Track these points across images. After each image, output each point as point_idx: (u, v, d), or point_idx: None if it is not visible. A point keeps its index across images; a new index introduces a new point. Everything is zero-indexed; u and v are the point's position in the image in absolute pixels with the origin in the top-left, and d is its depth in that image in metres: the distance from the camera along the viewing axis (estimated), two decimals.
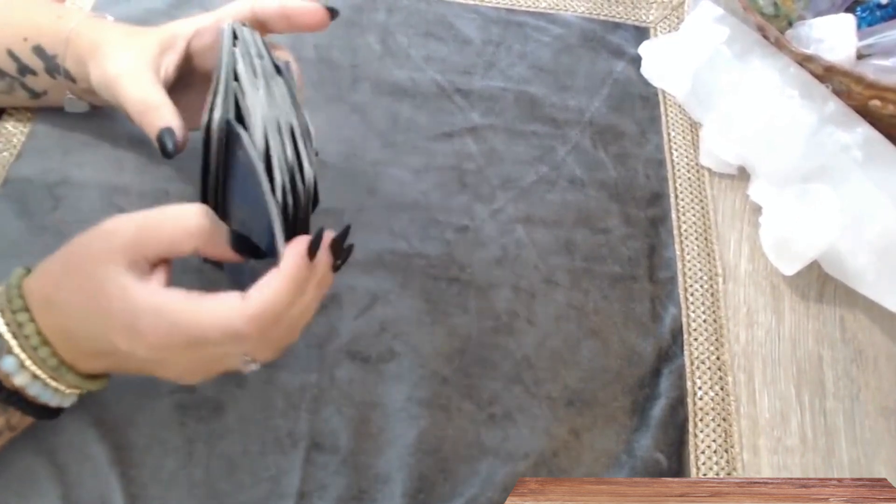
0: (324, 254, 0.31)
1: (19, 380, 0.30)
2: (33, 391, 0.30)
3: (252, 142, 0.31)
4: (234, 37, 0.34)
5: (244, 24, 0.35)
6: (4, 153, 0.44)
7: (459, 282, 0.43)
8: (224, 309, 0.29)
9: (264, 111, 0.32)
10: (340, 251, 0.32)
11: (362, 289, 0.42)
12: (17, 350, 0.29)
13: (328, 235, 0.31)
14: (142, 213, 0.30)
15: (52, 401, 0.31)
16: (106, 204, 0.43)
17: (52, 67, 0.41)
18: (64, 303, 0.30)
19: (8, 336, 0.29)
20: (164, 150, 0.36)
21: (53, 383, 0.31)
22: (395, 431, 0.38)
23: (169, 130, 0.36)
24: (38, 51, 0.40)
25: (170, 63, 0.39)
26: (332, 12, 0.38)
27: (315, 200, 0.36)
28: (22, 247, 0.41)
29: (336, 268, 0.32)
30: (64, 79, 0.41)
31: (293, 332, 0.32)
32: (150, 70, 0.38)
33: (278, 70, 0.34)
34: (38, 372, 0.30)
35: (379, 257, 0.43)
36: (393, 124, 0.49)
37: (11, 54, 0.41)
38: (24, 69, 0.41)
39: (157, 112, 0.37)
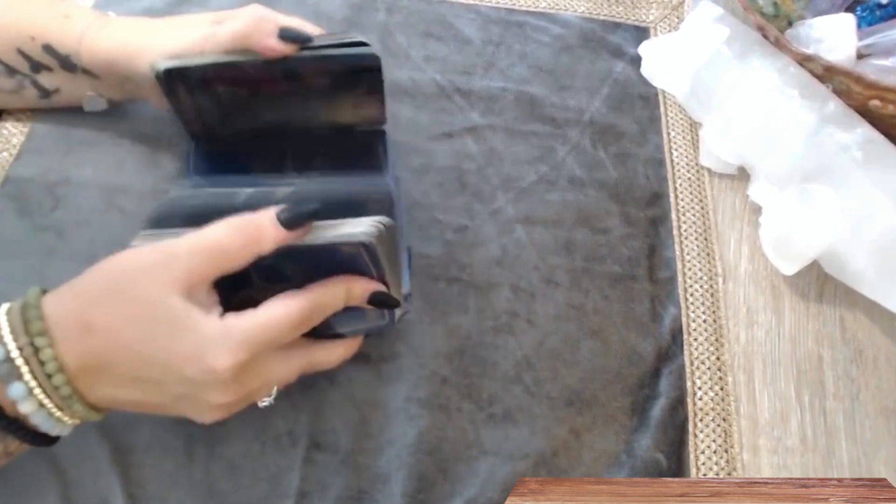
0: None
1: (24, 407, 0.28)
2: (36, 420, 0.29)
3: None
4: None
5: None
6: (4, 153, 0.44)
7: (459, 282, 0.43)
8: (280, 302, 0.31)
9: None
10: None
11: None
12: (27, 377, 0.28)
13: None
14: (193, 238, 0.30)
15: (53, 430, 0.30)
16: (106, 204, 0.43)
17: (68, 65, 0.41)
18: (110, 330, 0.29)
19: (20, 361, 0.28)
20: (297, 37, 0.37)
21: (58, 413, 0.29)
22: (394, 431, 0.38)
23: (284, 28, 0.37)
24: (49, 49, 0.40)
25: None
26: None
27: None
28: (22, 247, 0.41)
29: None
30: (81, 75, 0.41)
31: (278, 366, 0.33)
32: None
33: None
34: (46, 401, 0.29)
35: None
36: (393, 124, 0.49)
37: (22, 52, 0.41)
38: (37, 66, 0.41)
39: (261, 28, 0.37)
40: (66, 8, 0.42)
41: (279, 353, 0.32)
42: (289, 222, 0.30)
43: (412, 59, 0.53)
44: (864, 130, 0.44)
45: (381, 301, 0.34)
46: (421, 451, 0.37)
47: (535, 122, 0.51)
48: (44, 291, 0.30)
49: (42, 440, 0.31)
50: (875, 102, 0.45)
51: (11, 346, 0.28)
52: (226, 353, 0.29)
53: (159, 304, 0.29)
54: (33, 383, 0.28)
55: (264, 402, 0.34)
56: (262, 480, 0.36)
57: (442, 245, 0.44)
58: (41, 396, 0.28)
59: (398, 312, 0.37)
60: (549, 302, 0.43)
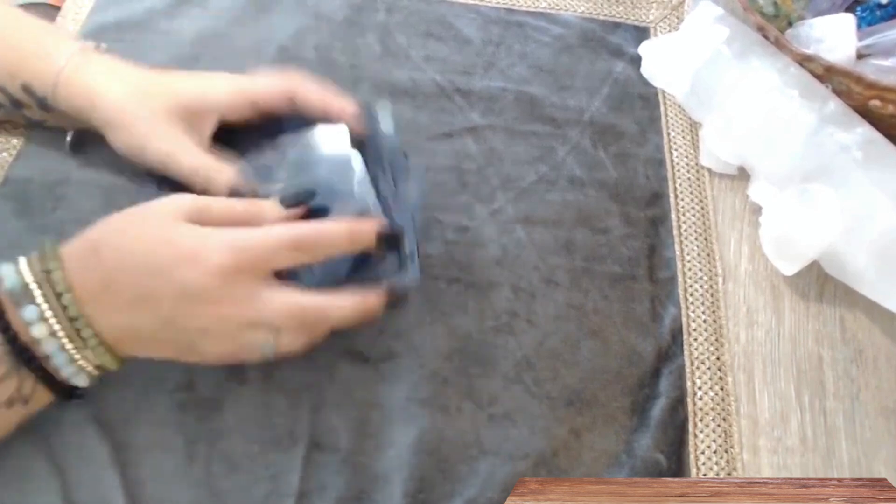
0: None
1: (37, 331, 0.30)
2: (48, 348, 0.31)
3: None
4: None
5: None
6: (4, 153, 0.44)
7: (459, 282, 0.43)
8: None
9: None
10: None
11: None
12: (40, 300, 0.30)
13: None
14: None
15: (65, 369, 0.31)
16: (106, 204, 0.43)
17: (45, 106, 0.40)
18: (116, 249, 0.32)
19: (34, 286, 0.30)
20: (296, 201, 0.38)
21: (70, 345, 0.31)
22: (395, 431, 0.38)
23: (236, 186, 0.39)
24: (27, 89, 0.40)
25: (206, 136, 0.41)
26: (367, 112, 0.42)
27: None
28: (22, 247, 0.41)
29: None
30: (58, 115, 0.41)
31: (312, 321, 0.35)
32: (192, 139, 0.40)
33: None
34: (57, 326, 0.30)
35: None
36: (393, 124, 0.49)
37: (2, 89, 0.40)
38: (16, 103, 0.41)
39: (220, 175, 0.39)
40: (47, 44, 0.40)
41: (279, 283, 0.34)
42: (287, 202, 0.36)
43: (412, 59, 0.53)
44: (864, 130, 0.44)
45: (386, 239, 0.36)
46: (421, 451, 0.37)
47: (535, 122, 0.51)
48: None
49: (54, 385, 0.32)
50: (875, 102, 0.45)
51: (27, 273, 0.31)
52: (217, 251, 0.32)
53: (165, 225, 0.32)
54: (45, 305, 0.30)
55: (265, 347, 0.34)
56: (262, 480, 0.36)
57: (442, 245, 0.44)
58: (52, 321, 0.30)
59: (408, 276, 0.38)
60: (549, 302, 0.43)
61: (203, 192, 0.38)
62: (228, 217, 0.34)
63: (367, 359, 0.40)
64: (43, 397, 0.32)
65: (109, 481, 0.35)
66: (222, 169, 0.39)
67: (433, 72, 0.52)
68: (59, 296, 0.31)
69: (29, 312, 0.30)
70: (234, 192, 0.38)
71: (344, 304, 0.35)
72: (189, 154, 0.39)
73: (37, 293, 0.30)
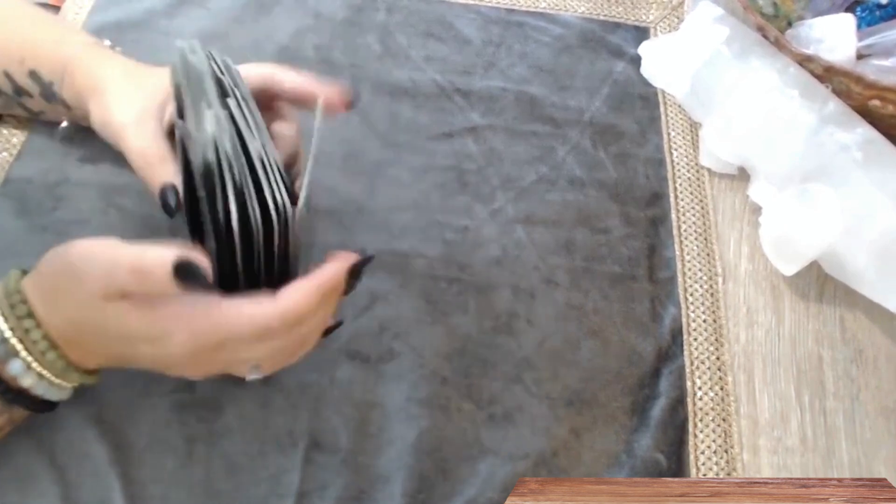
0: (344, 275, 0.32)
1: (26, 381, 0.30)
2: (38, 391, 0.31)
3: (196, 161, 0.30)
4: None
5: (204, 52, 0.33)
6: (4, 153, 0.44)
7: (459, 282, 0.43)
8: (256, 306, 0.29)
9: (214, 131, 0.29)
10: (358, 276, 0.33)
11: (362, 289, 0.42)
12: (24, 354, 0.30)
13: (351, 257, 0.32)
14: (134, 256, 0.29)
15: (54, 396, 0.32)
16: (106, 204, 0.43)
17: (48, 94, 0.40)
18: (69, 319, 0.30)
19: (14, 341, 0.30)
20: (165, 206, 0.35)
21: (57, 381, 0.31)
22: (394, 431, 0.38)
23: (171, 187, 0.35)
24: (34, 75, 0.40)
25: (173, 111, 0.38)
26: (355, 100, 0.36)
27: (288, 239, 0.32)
28: (22, 247, 0.41)
29: (346, 292, 0.33)
30: (59, 105, 0.41)
31: (302, 344, 0.33)
32: (155, 119, 0.37)
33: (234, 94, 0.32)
34: (45, 373, 0.31)
35: (379, 257, 0.43)
36: (393, 124, 0.49)
37: (7, 75, 0.40)
38: (19, 91, 0.41)
39: (160, 167, 0.36)
40: (59, 32, 0.41)
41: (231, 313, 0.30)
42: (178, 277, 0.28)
43: (412, 59, 0.53)
44: (864, 130, 0.44)
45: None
46: (421, 451, 0.37)
47: (535, 122, 0.51)
48: (24, 272, 0.31)
49: (45, 406, 0.32)
50: (875, 102, 0.45)
51: (4, 327, 0.30)
52: (184, 338, 0.29)
53: (91, 307, 0.29)
54: (30, 359, 0.30)
55: (252, 371, 0.32)
56: (262, 480, 0.36)
57: (442, 245, 0.44)
58: (40, 370, 0.30)
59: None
60: (549, 302, 0.43)
61: (140, 174, 0.36)
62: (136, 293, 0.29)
63: (367, 359, 0.40)
64: (27, 413, 0.33)
65: (109, 481, 0.35)
66: (163, 163, 0.36)
67: (433, 72, 0.52)
68: (43, 353, 0.30)
69: (15, 367, 0.30)
70: (162, 195, 0.35)
71: (297, 297, 0.30)
72: (140, 135, 0.36)
73: (19, 348, 0.30)
